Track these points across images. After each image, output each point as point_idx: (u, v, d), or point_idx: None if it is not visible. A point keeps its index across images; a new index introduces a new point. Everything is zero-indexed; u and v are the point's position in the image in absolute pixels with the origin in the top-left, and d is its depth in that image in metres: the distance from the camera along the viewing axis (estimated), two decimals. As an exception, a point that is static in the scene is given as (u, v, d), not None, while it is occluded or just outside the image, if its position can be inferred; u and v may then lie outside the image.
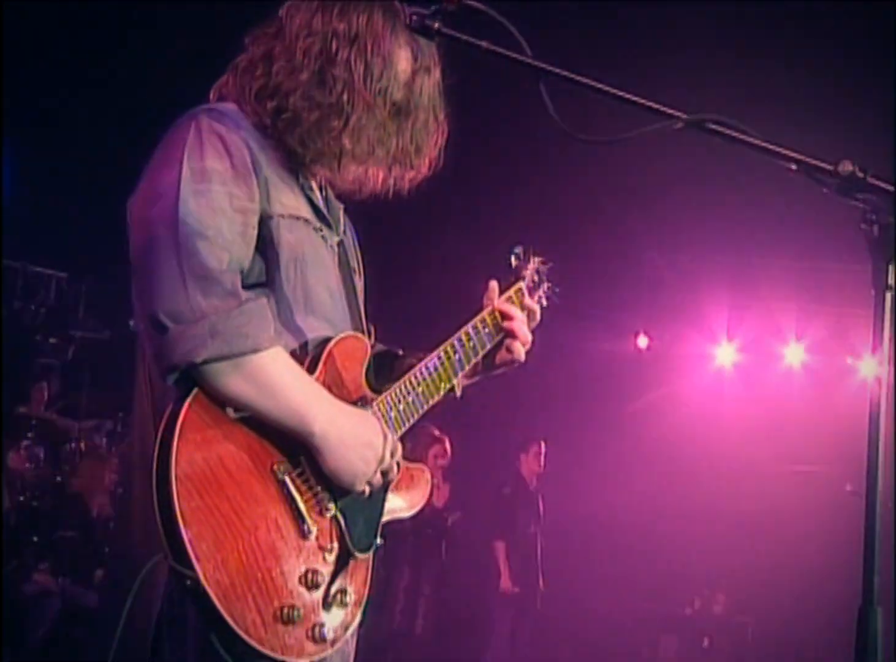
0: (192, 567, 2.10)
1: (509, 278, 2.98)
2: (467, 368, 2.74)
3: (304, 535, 2.31)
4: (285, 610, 2.21)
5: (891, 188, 2.20)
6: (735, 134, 2.33)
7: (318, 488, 2.36)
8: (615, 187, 12.29)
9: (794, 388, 14.81)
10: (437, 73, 2.64)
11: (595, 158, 11.51)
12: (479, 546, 11.11)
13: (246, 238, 2.36)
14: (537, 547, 10.99)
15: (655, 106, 2.37)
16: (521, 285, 2.90)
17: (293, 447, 2.33)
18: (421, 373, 2.61)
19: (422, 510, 8.50)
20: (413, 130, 2.60)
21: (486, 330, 2.75)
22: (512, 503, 10.87)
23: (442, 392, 2.67)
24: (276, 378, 2.29)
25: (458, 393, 2.77)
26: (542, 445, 11.16)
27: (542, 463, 11.15)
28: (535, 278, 3.06)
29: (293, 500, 2.30)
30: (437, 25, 2.49)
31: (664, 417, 14.46)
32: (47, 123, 10.97)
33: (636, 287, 14.56)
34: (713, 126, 2.35)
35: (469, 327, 2.72)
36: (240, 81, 2.53)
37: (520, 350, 2.78)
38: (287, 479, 2.30)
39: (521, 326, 2.78)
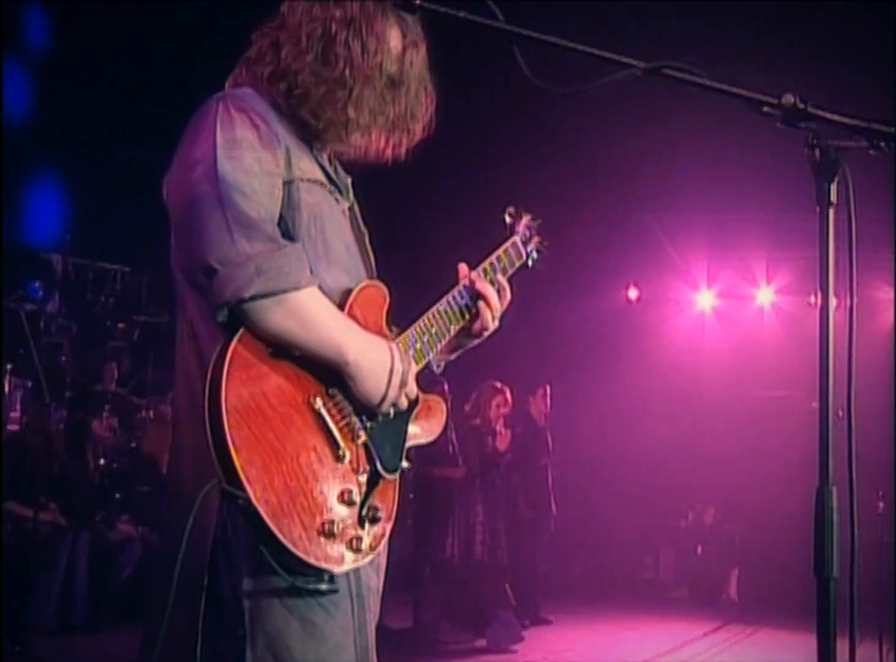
0: (243, 489, 2.10)
1: (504, 234, 2.96)
2: (465, 320, 2.71)
3: (339, 459, 2.29)
4: (326, 525, 2.21)
5: (829, 116, 2.16)
6: (688, 77, 2.26)
7: (350, 416, 2.34)
8: (605, 151, 12.19)
9: (766, 326, 14.87)
10: (423, 49, 2.65)
11: (589, 124, 11.45)
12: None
13: (274, 198, 2.36)
14: (548, 477, 11.00)
15: (617, 58, 2.29)
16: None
17: (326, 380, 2.31)
18: (433, 316, 2.62)
19: (488, 454, 8.41)
20: (407, 97, 2.60)
21: (463, 301, 2.72)
22: (523, 441, 10.87)
23: (452, 332, 2.67)
24: (315, 313, 2.28)
25: (439, 369, 2.80)
26: (548, 388, 11.15)
27: (549, 404, 11.13)
28: (527, 233, 3.04)
29: (328, 428, 2.28)
30: (418, 1, 2.43)
31: (654, 357, 14.52)
32: (101, 138, 10.95)
33: (627, 244, 14.49)
34: (669, 72, 2.27)
35: (449, 297, 2.70)
36: (252, 70, 2.54)
37: (488, 320, 2.72)
38: (322, 410, 2.28)
39: (486, 308, 2.72)
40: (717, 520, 15.16)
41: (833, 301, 2.16)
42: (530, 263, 3.07)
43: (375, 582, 2.50)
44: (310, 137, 2.54)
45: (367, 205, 2.80)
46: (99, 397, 11.48)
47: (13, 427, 9.78)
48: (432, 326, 2.63)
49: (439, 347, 2.65)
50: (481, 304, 2.71)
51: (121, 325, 13.16)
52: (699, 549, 14.93)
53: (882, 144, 2.14)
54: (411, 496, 9.69)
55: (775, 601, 10.44)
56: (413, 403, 2.52)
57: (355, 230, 2.67)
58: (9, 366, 9.60)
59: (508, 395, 9.53)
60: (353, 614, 2.36)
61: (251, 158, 2.34)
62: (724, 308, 15.63)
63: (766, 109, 2.17)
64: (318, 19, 2.50)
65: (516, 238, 2.99)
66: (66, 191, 11.67)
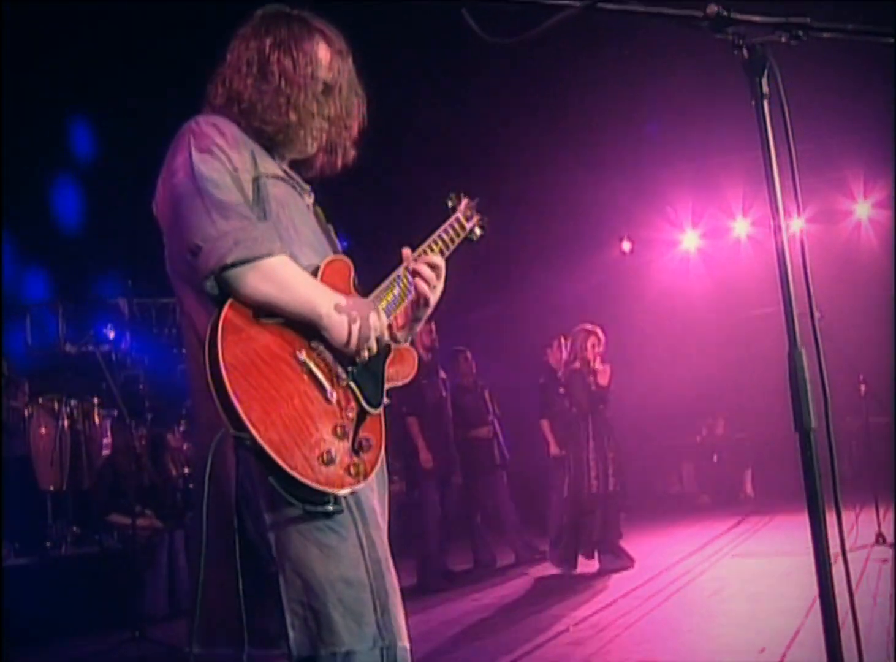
0: (247, 430, 2.19)
1: (447, 216, 3.05)
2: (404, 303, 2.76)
3: (328, 400, 2.38)
4: (324, 455, 2.30)
5: (749, 17, 2.15)
6: (621, 7, 2.23)
7: (332, 363, 2.43)
8: (594, 117, 12.07)
9: (743, 254, 14.83)
10: (349, 58, 2.76)
11: (574, 89, 11.33)
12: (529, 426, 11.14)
13: (243, 189, 2.47)
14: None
15: (553, 1, 2.25)
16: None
17: (308, 335, 2.41)
18: (386, 287, 2.70)
19: (596, 390, 8.68)
20: (340, 98, 2.71)
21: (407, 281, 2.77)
22: (547, 389, 10.84)
23: (405, 302, 2.74)
24: (289, 275, 2.39)
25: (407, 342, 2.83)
26: (563, 339, 11.11)
27: (566, 354, 11.10)
28: (468, 212, 3.12)
29: (315, 375, 2.38)
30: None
31: (650, 300, 14.46)
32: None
33: (618, 201, 14.39)
34: (602, 5, 2.23)
35: (394, 277, 2.75)
36: (211, 104, 2.68)
37: (425, 290, 2.75)
38: (307, 360, 2.38)
39: (425, 276, 2.75)
40: (727, 430, 15.27)
41: (779, 192, 2.16)
42: (473, 237, 3.13)
43: (377, 504, 2.54)
44: (268, 145, 2.65)
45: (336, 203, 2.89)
46: (173, 414, 11.55)
47: (106, 452, 9.86)
48: (388, 294, 2.68)
49: (398, 310, 2.72)
50: (417, 279, 2.74)
51: (185, 351, 13.22)
52: (715, 458, 15.02)
53: (800, 33, 2.14)
54: (453, 452, 9.70)
55: (786, 491, 10.39)
56: (386, 350, 2.61)
57: (321, 222, 2.77)
58: (95, 400, 9.68)
59: (600, 333, 9.39)
60: (361, 532, 2.42)
61: (222, 157, 2.46)
62: (707, 245, 15.61)
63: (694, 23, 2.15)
64: (253, 48, 2.66)
65: (458, 215, 3.07)
66: (125, 246, 11.72)
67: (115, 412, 9.86)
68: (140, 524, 8.49)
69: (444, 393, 9.70)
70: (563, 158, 12.64)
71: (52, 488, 9.20)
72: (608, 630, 6.50)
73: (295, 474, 2.23)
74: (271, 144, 2.65)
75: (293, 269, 2.41)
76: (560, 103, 12.11)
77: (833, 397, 2.14)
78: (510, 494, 10.43)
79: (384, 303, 2.66)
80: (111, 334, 11.22)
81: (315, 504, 2.31)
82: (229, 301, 2.32)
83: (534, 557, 10.16)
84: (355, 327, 2.44)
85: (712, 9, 2.12)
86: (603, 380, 9.21)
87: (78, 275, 11.48)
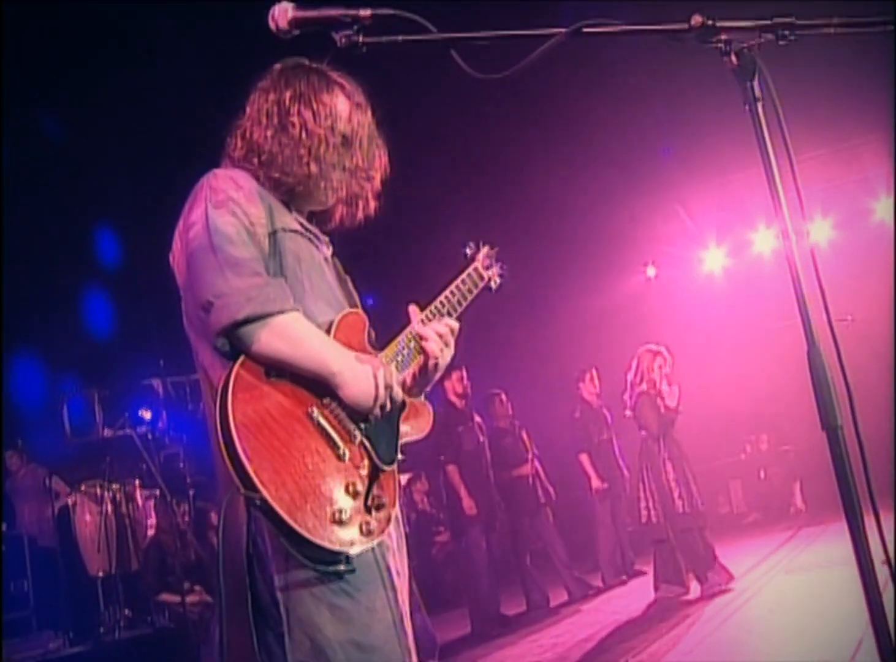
0: (257, 490, 2.17)
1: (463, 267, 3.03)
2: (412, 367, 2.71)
3: (340, 458, 2.36)
4: (336, 514, 2.26)
5: (735, 24, 2.17)
6: (607, 29, 2.24)
7: (345, 420, 2.40)
8: (608, 144, 12.08)
9: (767, 267, 14.72)
10: (368, 109, 2.75)
11: (585, 118, 11.34)
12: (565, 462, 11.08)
13: (257, 244, 2.46)
14: (614, 448, 10.91)
15: (540, 32, 2.28)
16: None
17: (320, 392, 2.38)
18: (402, 342, 2.68)
19: (666, 412, 8.63)
20: (361, 150, 2.70)
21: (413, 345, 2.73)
22: (584, 423, 10.82)
23: (415, 364, 2.70)
24: (301, 333, 2.37)
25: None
26: (594, 371, 11.10)
27: (598, 385, 11.07)
28: (487, 261, 3.11)
29: (327, 433, 2.35)
30: (360, 39, 2.42)
31: (678, 323, 14.35)
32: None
33: (640, 225, 14.35)
34: (588, 30, 2.25)
35: (400, 340, 2.71)
36: (231, 157, 2.67)
37: (434, 353, 2.70)
38: (320, 418, 2.35)
39: (432, 344, 2.71)
40: (771, 444, 15.09)
41: (782, 194, 2.15)
42: (493, 285, 3.12)
43: (394, 563, 2.50)
44: (287, 197, 2.64)
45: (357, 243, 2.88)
46: (214, 487, 11.54)
47: (151, 532, 9.86)
48: (397, 354, 2.65)
49: (408, 371, 2.68)
50: (423, 343, 2.70)
51: (204, 406, 13.25)
52: (762, 474, 14.83)
53: (786, 33, 2.14)
54: (496, 496, 9.64)
55: (837, 499, 10.21)
56: (401, 405, 2.57)
57: (338, 275, 2.75)
58: (137, 482, 9.70)
59: (666, 353, 9.16)
60: (374, 594, 2.39)
61: (238, 211, 2.45)
62: (733, 263, 15.52)
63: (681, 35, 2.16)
64: (272, 100, 2.64)
65: (476, 265, 3.06)
66: (154, 327, 11.81)
67: (157, 492, 9.89)
68: (190, 601, 8.49)
69: (480, 438, 9.66)
70: (581, 187, 12.66)
71: (101, 573, 9.21)
72: (666, 659, 6.40)
73: (306, 533, 2.20)
74: (290, 196, 2.64)
75: (305, 325, 2.39)
76: (574, 133, 12.14)
77: (875, 397, 2.09)
78: (557, 531, 10.34)
79: (395, 362, 2.63)
80: (147, 415, 11.24)
81: (327, 564, 2.29)
82: (241, 358, 2.32)
83: (587, 593, 10.06)
84: (368, 385, 2.41)
85: (697, 19, 2.14)
86: (672, 401, 8.92)
87: (110, 360, 11.53)
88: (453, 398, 9.62)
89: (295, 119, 2.61)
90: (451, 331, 2.77)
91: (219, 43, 8.98)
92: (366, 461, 2.41)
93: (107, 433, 10.38)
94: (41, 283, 10.20)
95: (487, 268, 3.09)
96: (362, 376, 2.40)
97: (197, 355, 2.52)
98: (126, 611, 9.16)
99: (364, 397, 2.40)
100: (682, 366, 11.27)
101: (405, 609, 2.50)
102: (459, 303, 2.91)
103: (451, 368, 9.38)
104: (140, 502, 9.75)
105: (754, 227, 14.93)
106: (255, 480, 2.17)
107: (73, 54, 9.09)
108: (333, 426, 2.36)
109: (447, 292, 2.88)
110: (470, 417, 9.69)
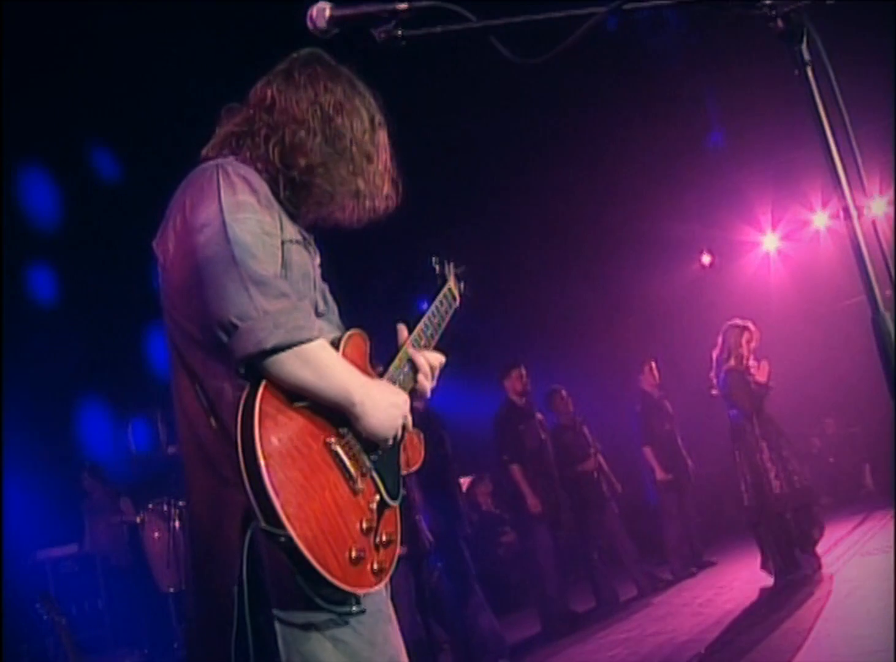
0: (283, 527, 2.06)
1: (437, 281, 3.01)
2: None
3: (355, 493, 2.28)
4: (353, 554, 2.19)
5: None
6: (647, 4, 2.20)
7: (359, 452, 2.33)
8: (660, 134, 11.99)
9: (823, 247, 14.48)
10: (384, 126, 2.68)
11: (649, 102, 11.28)
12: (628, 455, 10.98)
13: (275, 257, 2.34)
14: (677, 438, 10.80)
15: (580, 12, 2.23)
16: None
17: (336, 422, 2.29)
18: (401, 361, 2.61)
19: (756, 388, 8.32)
20: (377, 169, 2.62)
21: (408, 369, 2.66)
22: (645, 415, 10.73)
23: (414, 379, 2.63)
24: (326, 362, 2.26)
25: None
26: (653, 363, 11.00)
27: (658, 376, 10.98)
28: (454, 281, 3.06)
29: (344, 465, 2.26)
30: (400, 33, 2.39)
31: (735, 309, 14.15)
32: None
33: (694, 213, 14.19)
34: (630, 5, 2.20)
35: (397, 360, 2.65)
36: (256, 150, 2.50)
37: (425, 388, 2.66)
38: (337, 448, 2.26)
39: (425, 382, 2.66)
40: (838, 428, 14.84)
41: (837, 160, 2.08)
42: (463, 300, 3.07)
43: (385, 595, 2.45)
44: (308, 203, 2.53)
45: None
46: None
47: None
48: (399, 376, 2.58)
49: (411, 385, 2.62)
50: (419, 375, 2.64)
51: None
52: (831, 459, 14.60)
53: (834, -9, 2.07)
54: (560, 492, 9.58)
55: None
56: (403, 435, 2.50)
57: (323, 283, 2.65)
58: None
59: (753, 327, 8.85)
60: (374, 628, 2.33)
61: (253, 221, 2.31)
62: (789, 245, 15.28)
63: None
64: (315, 103, 2.52)
65: (450, 285, 3.00)
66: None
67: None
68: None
69: (542, 435, 9.60)
70: (629, 179, 12.57)
71: (171, 589, 9.26)
72: (743, 651, 6.28)
73: (327, 575, 2.11)
74: (317, 203, 2.54)
75: (330, 354, 2.30)
76: (622, 124, 12.07)
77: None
78: (623, 525, 10.27)
79: (406, 368, 2.60)
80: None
81: (341, 605, 2.21)
82: (264, 384, 2.19)
83: (656, 586, 9.97)
84: (387, 416, 2.35)
85: (741, -15, 2.09)
86: (762, 377, 8.61)
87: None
88: (514, 397, 9.59)
89: (342, 128, 2.52)
90: (440, 366, 2.73)
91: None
92: (376, 496, 2.35)
93: (171, 450, 10.46)
94: (107, 314, 10.31)
95: (458, 287, 3.05)
96: (381, 406, 2.33)
97: (183, 357, 2.37)
98: (198, 626, 9.21)
99: (382, 429, 2.34)
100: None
101: (401, 644, 2.45)
102: (440, 325, 2.85)
103: (510, 366, 9.53)
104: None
105: (811, 207, 14.71)
106: (282, 516, 2.06)
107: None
108: (349, 458, 2.29)
109: (429, 314, 2.82)
110: (531, 414, 9.64)
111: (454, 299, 2.99)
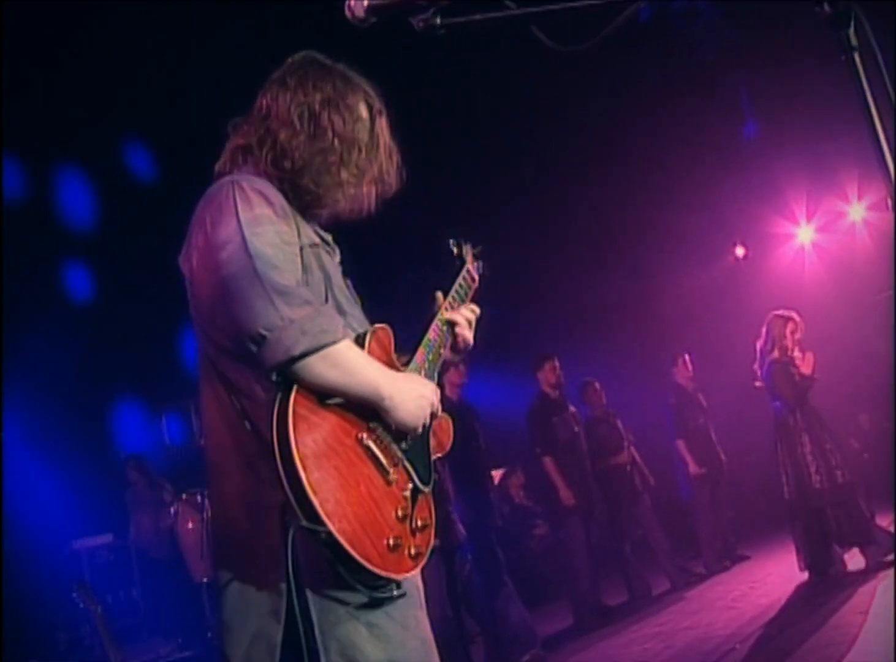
0: (323, 524, 2.15)
1: (455, 262, 3.09)
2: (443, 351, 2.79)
3: (389, 483, 2.37)
4: (391, 542, 2.30)
5: None
6: None
7: (390, 444, 2.42)
8: (691, 125, 11.92)
9: (859, 239, 14.33)
10: (385, 116, 2.74)
11: (681, 92, 11.23)
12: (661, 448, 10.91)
13: (296, 264, 2.42)
14: (710, 432, 10.72)
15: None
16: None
17: (366, 417, 2.38)
18: (426, 346, 2.71)
19: (801, 380, 8.13)
20: (380, 157, 2.69)
21: (444, 330, 2.81)
22: (679, 408, 10.66)
23: (442, 355, 2.76)
24: (354, 361, 2.34)
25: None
26: (687, 356, 10.92)
27: (691, 369, 10.90)
28: (472, 260, 3.14)
29: (377, 458, 2.36)
30: (439, 21, 2.37)
31: (769, 301, 14.04)
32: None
33: (728, 205, 14.06)
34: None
35: (435, 326, 2.78)
36: (255, 157, 2.61)
37: (468, 337, 2.82)
38: (369, 443, 2.36)
39: (466, 331, 2.83)
40: (872, 423, 14.67)
41: (886, 148, 2.02)
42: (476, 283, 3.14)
43: (416, 579, 2.51)
44: (307, 206, 2.61)
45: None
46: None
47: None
48: (429, 352, 2.69)
49: (436, 373, 2.70)
50: (456, 329, 2.78)
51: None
52: (865, 456, 14.43)
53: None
54: (593, 485, 9.54)
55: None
56: (431, 421, 2.58)
57: (347, 282, 2.72)
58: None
59: (797, 318, 8.66)
60: (407, 612, 2.41)
61: (272, 232, 2.39)
62: (824, 237, 15.11)
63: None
64: (303, 104, 2.60)
65: (468, 267, 3.07)
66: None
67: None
68: (292, 603, 8.53)
69: (575, 428, 9.56)
70: (666, 171, 12.51)
71: (205, 579, 9.31)
72: (777, 645, 6.25)
73: (368, 565, 2.21)
74: (312, 204, 2.62)
75: (356, 353, 2.37)
76: (653, 115, 11.99)
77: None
78: (657, 519, 10.22)
79: (426, 363, 2.67)
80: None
81: (382, 591, 2.31)
82: (295, 388, 2.27)
83: (689, 580, 9.91)
84: (416, 406, 2.43)
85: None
86: (806, 368, 8.43)
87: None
88: (547, 389, 9.56)
89: (326, 125, 2.59)
90: (476, 316, 2.86)
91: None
92: (409, 484, 2.44)
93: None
94: (141, 311, 10.38)
95: (476, 267, 3.12)
96: (410, 397, 2.42)
97: (215, 367, 2.47)
98: (231, 615, 9.25)
99: (412, 418, 2.42)
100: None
101: (430, 630, 2.52)
102: (461, 304, 2.92)
103: (543, 358, 9.51)
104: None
105: (846, 199, 14.55)
106: (322, 514, 2.16)
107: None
108: (381, 451, 2.37)
109: (451, 295, 2.90)
110: (564, 407, 9.61)
111: (473, 279, 3.06)
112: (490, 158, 11.94)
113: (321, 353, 2.27)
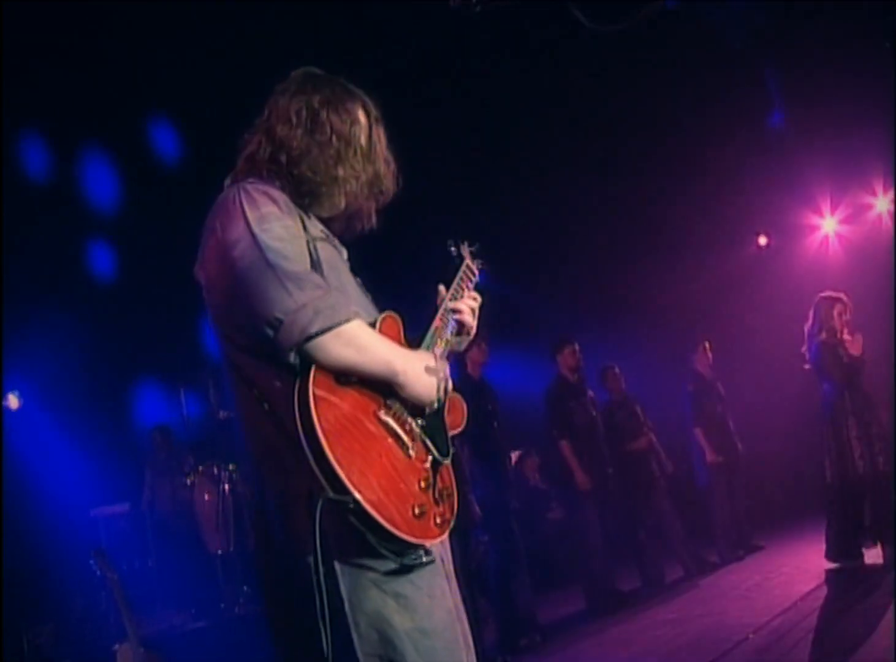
0: (349, 493, 2.23)
1: (455, 261, 3.12)
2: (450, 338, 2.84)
3: (409, 455, 2.46)
4: (416, 510, 2.38)
5: None
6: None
7: (407, 418, 2.50)
8: (716, 115, 11.83)
9: (884, 230, 14.19)
10: (382, 125, 2.82)
11: (689, 87, 11.17)
12: (678, 435, 10.88)
13: (304, 255, 2.51)
14: (728, 422, 10.68)
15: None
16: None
17: (382, 393, 2.47)
18: (434, 331, 2.77)
19: (849, 361, 8.01)
20: (378, 162, 2.78)
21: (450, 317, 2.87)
22: (697, 396, 10.61)
23: (449, 341, 2.81)
24: (366, 339, 2.44)
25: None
26: (707, 344, 10.87)
27: (711, 357, 10.85)
28: (470, 257, 3.17)
29: (396, 433, 2.45)
30: (475, 0, 2.37)
31: (792, 291, 13.94)
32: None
33: (751, 194, 13.93)
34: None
35: (440, 315, 2.85)
36: (255, 160, 2.70)
37: (471, 324, 2.89)
38: (387, 418, 2.45)
39: (468, 318, 2.88)
40: (888, 420, 14.53)
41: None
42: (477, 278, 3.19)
43: (440, 550, 2.57)
44: (308, 197, 2.67)
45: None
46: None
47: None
48: (435, 338, 2.74)
49: (445, 354, 2.75)
50: (457, 317, 2.84)
51: (241, 412, 13.30)
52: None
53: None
54: (609, 470, 9.52)
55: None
56: (445, 398, 2.66)
57: (355, 277, 2.80)
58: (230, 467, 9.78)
59: (846, 299, 8.53)
60: (432, 581, 2.48)
61: (280, 227, 2.48)
62: (849, 229, 14.96)
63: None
64: (301, 101, 2.70)
65: (467, 262, 3.11)
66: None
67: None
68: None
69: (593, 413, 9.55)
70: (690, 157, 12.42)
71: (219, 551, 9.37)
72: (790, 636, 6.24)
73: (395, 531, 2.29)
74: (310, 200, 2.68)
75: (368, 331, 2.46)
76: (679, 104, 11.91)
77: None
78: (672, 506, 10.19)
79: (443, 342, 2.74)
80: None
81: (411, 557, 2.39)
82: (313, 368, 2.35)
83: (702, 568, 9.89)
84: (429, 380, 2.53)
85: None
86: (855, 350, 8.29)
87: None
88: (566, 372, 9.53)
89: (325, 121, 2.67)
90: (478, 304, 2.94)
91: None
92: (429, 456, 2.53)
93: (222, 414, 10.54)
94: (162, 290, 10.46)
95: (475, 263, 3.16)
96: (423, 372, 2.52)
97: (236, 364, 2.53)
98: (245, 588, 9.30)
99: (426, 393, 2.52)
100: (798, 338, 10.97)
101: (458, 598, 2.62)
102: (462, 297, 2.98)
103: (563, 342, 9.49)
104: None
105: (873, 192, 14.39)
106: (347, 483, 2.24)
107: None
108: (399, 425, 2.46)
109: (453, 287, 2.95)
110: (583, 391, 9.59)
111: (473, 274, 3.11)
112: (515, 142, 11.90)
113: (335, 331, 2.35)
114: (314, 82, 2.74)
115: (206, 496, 9.50)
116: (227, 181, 2.72)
